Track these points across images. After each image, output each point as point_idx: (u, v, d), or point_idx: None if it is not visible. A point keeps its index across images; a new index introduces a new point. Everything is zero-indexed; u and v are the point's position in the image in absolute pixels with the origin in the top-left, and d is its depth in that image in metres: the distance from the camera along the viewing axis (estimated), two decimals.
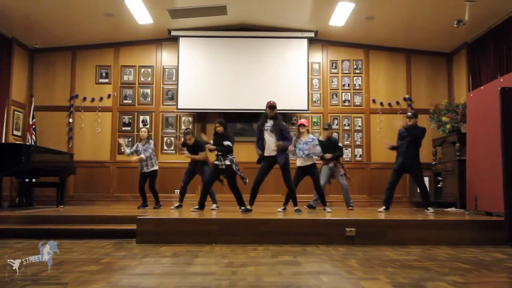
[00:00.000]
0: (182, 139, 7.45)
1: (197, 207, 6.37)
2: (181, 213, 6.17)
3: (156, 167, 7.67)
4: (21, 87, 9.29)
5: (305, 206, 7.22)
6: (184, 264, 3.41)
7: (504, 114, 4.54)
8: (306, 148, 6.61)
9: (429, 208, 6.62)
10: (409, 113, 6.92)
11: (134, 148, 7.72)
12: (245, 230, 4.69)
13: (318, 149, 6.68)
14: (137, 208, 7.32)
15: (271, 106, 6.14)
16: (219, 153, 6.25)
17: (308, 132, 7.03)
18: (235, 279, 2.81)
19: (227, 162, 6.17)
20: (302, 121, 6.84)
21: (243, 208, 6.05)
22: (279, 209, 6.54)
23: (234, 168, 6.18)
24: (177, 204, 7.26)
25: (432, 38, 9.11)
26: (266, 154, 6.14)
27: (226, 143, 6.22)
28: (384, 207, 6.75)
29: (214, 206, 7.27)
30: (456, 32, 8.11)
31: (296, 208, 6.15)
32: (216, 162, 6.26)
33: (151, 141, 7.79)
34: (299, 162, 6.74)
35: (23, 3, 7.67)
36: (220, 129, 6.34)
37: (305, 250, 4.14)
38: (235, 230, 4.68)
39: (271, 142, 6.11)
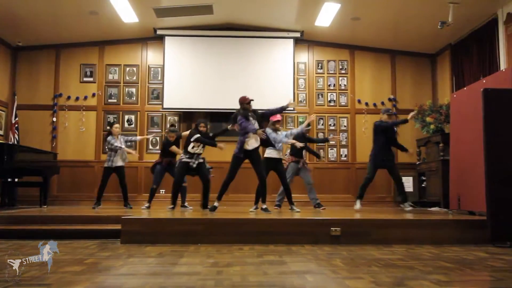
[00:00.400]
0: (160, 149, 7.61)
1: (172, 206, 6.60)
2: (166, 213, 6.14)
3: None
4: (4, 85, 9.15)
5: (274, 207, 7.12)
6: (169, 264, 3.39)
7: (486, 114, 4.61)
8: (284, 141, 6.51)
9: (405, 203, 6.68)
10: (391, 111, 7.23)
11: (116, 141, 7.53)
12: (230, 230, 4.67)
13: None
14: (92, 208, 7.18)
15: (251, 100, 5.98)
16: (195, 152, 6.49)
17: None
18: (221, 279, 2.81)
19: (200, 161, 6.36)
20: (278, 117, 6.74)
21: (215, 205, 5.99)
22: (251, 209, 6.32)
23: (207, 168, 6.55)
24: (147, 204, 7.22)
25: (417, 39, 9.20)
26: (250, 148, 5.93)
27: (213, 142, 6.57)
28: (359, 201, 6.97)
29: (186, 204, 7.40)
30: (440, 33, 8.21)
31: (264, 207, 5.93)
32: (187, 160, 6.31)
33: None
34: (272, 154, 6.58)
35: (5, 0, 7.55)
36: (205, 129, 6.61)
37: (290, 250, 4.15)
38: (221, 230, 4.67)
39: (256, 136, 5.93)
